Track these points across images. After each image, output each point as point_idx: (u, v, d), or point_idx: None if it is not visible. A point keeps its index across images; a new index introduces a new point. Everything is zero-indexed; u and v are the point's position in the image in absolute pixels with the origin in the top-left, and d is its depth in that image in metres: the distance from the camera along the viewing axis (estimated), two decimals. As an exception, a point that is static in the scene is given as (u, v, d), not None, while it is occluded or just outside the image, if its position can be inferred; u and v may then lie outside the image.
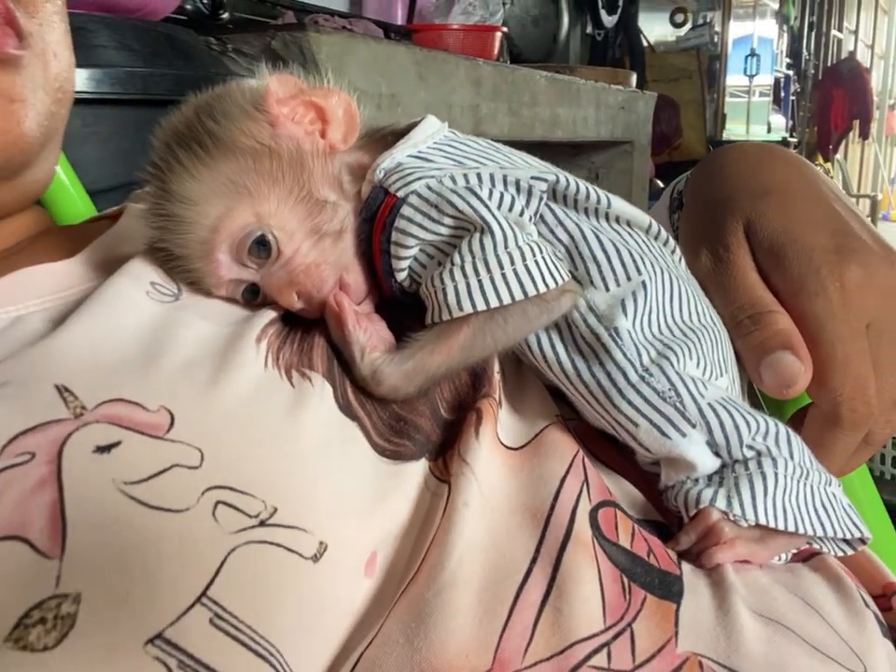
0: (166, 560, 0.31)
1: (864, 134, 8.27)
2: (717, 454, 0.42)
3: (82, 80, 0.98)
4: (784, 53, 6.87)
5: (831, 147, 7.34)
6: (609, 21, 3.93)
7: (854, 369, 0.45)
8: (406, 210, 0.43)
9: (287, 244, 0.43)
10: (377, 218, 0.44)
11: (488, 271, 0.40)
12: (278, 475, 0.35)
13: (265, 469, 0.35)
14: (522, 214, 0.43)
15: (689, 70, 4.78)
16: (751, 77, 5.79)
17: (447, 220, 0.42)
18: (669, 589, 0.39)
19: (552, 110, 2.27)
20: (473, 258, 0.40)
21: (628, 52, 4.27)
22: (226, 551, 0.32)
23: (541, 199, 0.44)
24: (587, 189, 0.45)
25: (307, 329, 0.44)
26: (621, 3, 4.01)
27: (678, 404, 0.41)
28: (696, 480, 0.42)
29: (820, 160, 7.06)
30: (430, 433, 0.42)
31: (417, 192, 0.43)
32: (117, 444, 0.33)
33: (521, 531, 0.38)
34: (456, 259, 0.41)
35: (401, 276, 0.44)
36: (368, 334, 0.42)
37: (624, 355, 0.41)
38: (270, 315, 0.44)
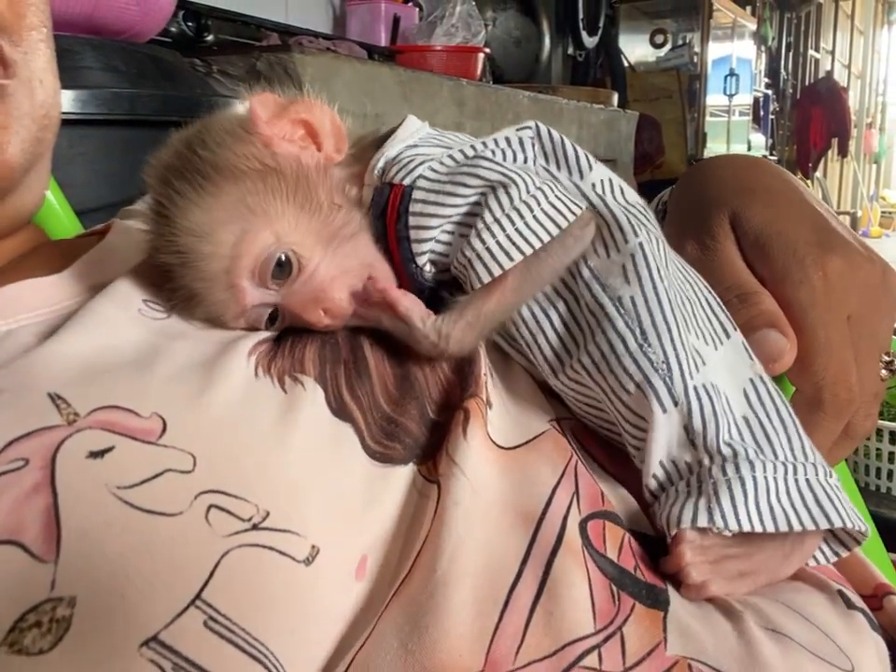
0: (160, 563, 0.31)
1: (843, 152, 8.38)
2: (693, 443, 0.41)
3: (68, 101, 0.98)
4: (763, 73, 6.97)
5: (810, 164, 7.44)
6: (589, 42, 3.98)
7: (836, 353, 0.46)
8: (418, 194, 0.44)
9: (310, 258, 0.43)
10: (389, 210, 0.45)
11: (521, 216, 0.42)
12: (270, 479, 0.36)
13: (257, 474, 0.35)
14: (525, 161, 0.46)
15: (669, 90, 4.84)
16: (731, 96, 5.85)
17: (464, 190, 0.43)
18: (657, 598, 0.39)
19: (535, 129, 2.29)
20: (503, 210, 0.42)
21: (609, 73, 4.32)
22: (219, 554, 0.32)
23: (533, 144, 0.47)
24: (573, 146, 0.48)
25: (298, 340, 0.44)
26: (601, 24, 4.06)
27: (667, 378, 0.41)
28: (676, 489, 0.41)
29: (800, 177, 7.14)
30: (419, 436, 0.42)
31: (424, 176, 0.44)
32: (110, 450, 0.33)
33: (512, 531, 0.38)
34: (487, 217, 0.42)
35: (422, 260, 0.45)
36: (417, 304, 0.44)
37: (626, 324, 0.42)
38: (262, 334, 0.44)
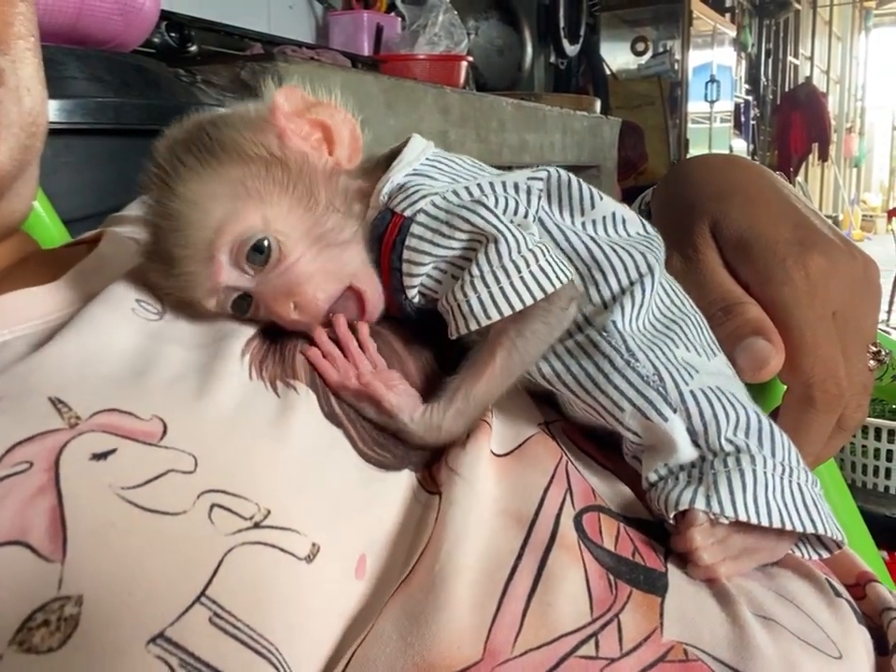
0: (165, 561, 0.32)
1: (823, 157, 8.46)
2: (696, 443, 0.42)
3: (53, 111, 0.98)
4: (743, 79, 7.03)
5: (792, 169, 7.50)
6: (571, 50, 4.00)
7: (823, 351, 0.47)
8: (416, 229, 0.44)
9: (292, 251, 0.43)
10: (385, 238, 0.45)
11: (507, 276, 0.42)
12: (270, 479, 0.36)
13: (257, 473, 0.36)
14: (526, 215, 0.45)
15: (651, 97, 4.87)
16: (712, 102, 5.90)
17: (459, 234, 0.43)
18: (654, 584, 0.40)
19: (519, 136, 2.30)
20: (491, 266, 0.42)
21: (591, 80, 4.34)
22: (222, 552, 0.33)
23: (540, 196, 0.46)
24: (579, 183, 0.47)
25: (287, 342, 0.44)
26: (582, 32, 4.08)
27: (660, 388, 0.42)
28: (676, 477, 0.42)
29: (782, 182, 7.19)
30: (413, 448, 0.43)
31: (424, 210, 0.44)
32: (112, 451, 0.34)
33: (507, 530, 0.39)
34: (475, 270, 0.42)
35: (412, 293, 0.45)
36: (404, 398, 0.43)
37: (610, 344, 0.43)
38: (250, 331, 0.44)
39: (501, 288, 0.42)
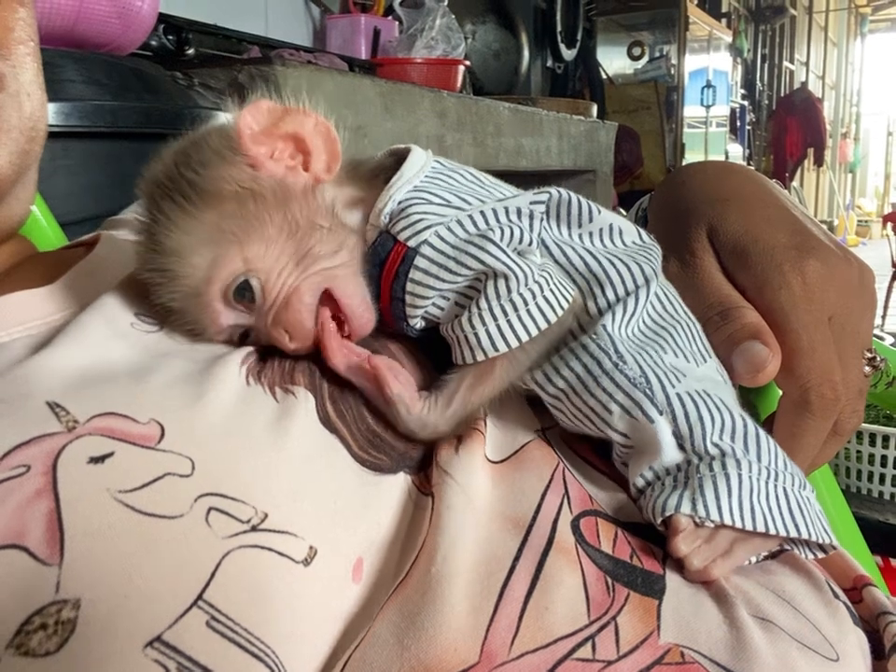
0: (162, 565, 0.32)
1: (819, 162, 8.50)
2: (681, 446, 0.43)
3: (51, 114, 0.96)
4: (739, 84, 7.06)
5: (787, 174, 7.53)
6: (568, 54, 4.01)
7: (819, 355, 0.47)
8: (421, 262, 0.44)
9: (276, 283, 0.43)
10: (387, 266, 0.44)
11: (515, 309, 0.42)
12: (267, 482, 0.36)
13: (254, 477, 0.36)
14: (531, 242, 0.45)
15: (647, 101, 4.89)
16: (708, 107, 5.92)
17: (465, 271, 0.43)
18: (652, 587, 0.40)
19: (515, 140, 2.31)
20: (499, 300, 0.42)
21: (588, 85, 4.36)
22: (220, 555, 0.33)
23: (541, 220, 0.46)
24: (578, 200, 0.47)
25: (285, 356, 0.44)
26: (579, 37, 4.09)
27: (647, 390, 0.42)
28: (663, 483, 0.42)
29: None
30: (406, 450, 0.43)
31: (429, 243, 0.43)
32: (110, 455, 0.34)
33: (503, 533, 0.39)
34: (482, 304, 0.43)
35: (414, 321, 0.45)
36: (406, 389, 0.43)
37: (599, 346, 0.43)
38: (248, 348, 0.44)
39: (509, 321, 0.42)
